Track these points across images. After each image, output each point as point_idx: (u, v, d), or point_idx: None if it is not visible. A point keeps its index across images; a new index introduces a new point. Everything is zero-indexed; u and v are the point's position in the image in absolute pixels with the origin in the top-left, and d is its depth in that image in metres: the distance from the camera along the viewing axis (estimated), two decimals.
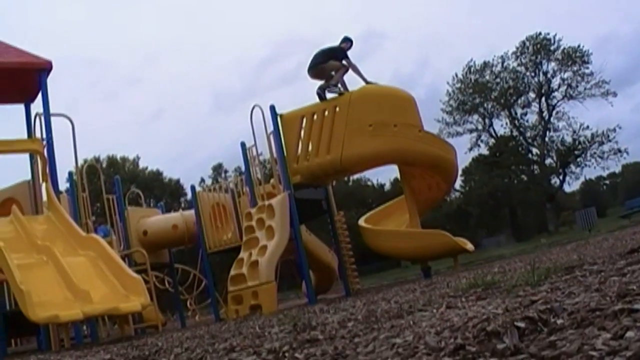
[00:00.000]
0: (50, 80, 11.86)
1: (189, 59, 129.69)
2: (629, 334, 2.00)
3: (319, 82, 14.57)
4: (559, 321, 2.43)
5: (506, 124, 69.71)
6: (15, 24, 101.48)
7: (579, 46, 63.60)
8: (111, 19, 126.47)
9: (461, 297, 4.55)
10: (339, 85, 14.36)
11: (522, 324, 2.44)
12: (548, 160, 67.11)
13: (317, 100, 14.41)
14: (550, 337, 2.21)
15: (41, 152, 11.05)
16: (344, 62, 14.55)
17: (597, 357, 1.87)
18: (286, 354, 3.17)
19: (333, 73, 14.46)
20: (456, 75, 68.90)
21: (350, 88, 14.50)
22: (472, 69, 68.10)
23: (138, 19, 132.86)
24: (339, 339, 3.42)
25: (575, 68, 63.86)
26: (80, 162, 14.22)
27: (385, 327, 3.53)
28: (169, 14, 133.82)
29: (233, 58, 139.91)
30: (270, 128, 14.34)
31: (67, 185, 15.31)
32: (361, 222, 17.44)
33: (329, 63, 14.47)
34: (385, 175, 79.98)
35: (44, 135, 11.49)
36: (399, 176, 16.70)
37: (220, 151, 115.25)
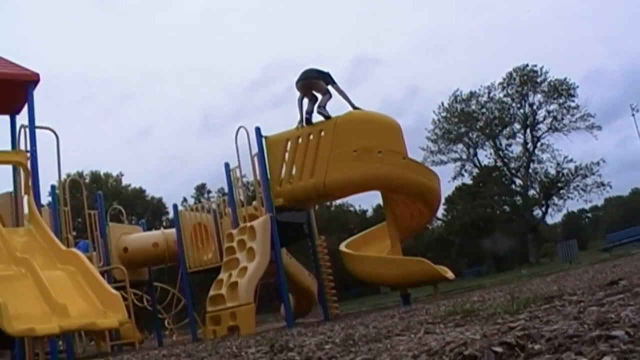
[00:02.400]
0: (41, 94, 11.87)
1: (180, 79, 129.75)
2: (606, 358, 2.00)
3: (305, 98, 14.62)
4: (536, 346, 2.43)
5: (490, 154, 69.87)
6: (8, 38, 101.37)
7: (565, 79, 63.88)
8: (103, 37, 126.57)
9: (440, 324, 4.54)
10: (327, 109, 14.38)
11: (499, 349, 2.44)
12: (531, 192, 67.25)
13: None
14: None
15: (24, 164, 11.00)
16: (331, 87, 14.59)
17: None
18: None
19: (319, 95, 14.49)
20: (442, 104, 69.12)
21: (338, 113, 14.53)
22: (458, 99, 68.27)
23: (131, 38, 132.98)
24: None
25: (561, 101, 64.08)
26: (63, 176, 14.20)
27: (362, 350, 3.52)
28: (162, 34, 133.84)
29: (224, 80, 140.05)
30: (255, 150, 14.34)
31: (50, 198, 15.28)
32: (342, 247, 17.41)
33: (320, 83, 14.50)
34: (367, 201, 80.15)
35: (28, 148, 11.44)
36: (381, 202, 16.70)
37: (205, 171, 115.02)
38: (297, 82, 14.80)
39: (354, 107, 14.52)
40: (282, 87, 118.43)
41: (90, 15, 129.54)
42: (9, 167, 11.91)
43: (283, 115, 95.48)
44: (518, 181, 68.81)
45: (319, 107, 14.39)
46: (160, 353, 7.16)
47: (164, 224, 61.08)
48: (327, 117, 14.28)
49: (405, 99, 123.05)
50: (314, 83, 14.64)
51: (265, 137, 14.40)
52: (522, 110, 67.03)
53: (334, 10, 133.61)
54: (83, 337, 14.39)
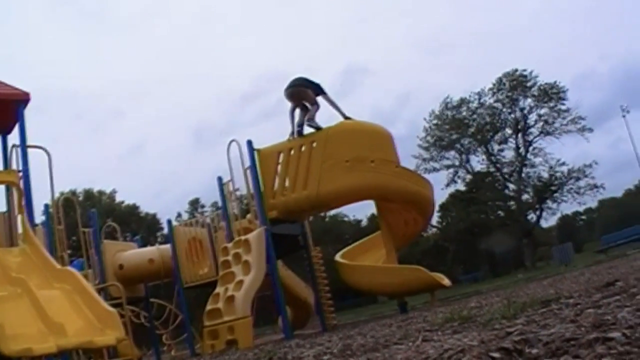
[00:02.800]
0: (31, 112, 11.83)
1: (171, 94, 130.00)
2: None
3: (294, 105, 14.64)
4: (534, 351, 2.43)
5: (483, 160, 69.92)
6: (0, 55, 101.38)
7: (555, 82, 63.98)
8: (92, 52, 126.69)
9: (437, 331, 4.54)
10: (316, 121, 14.38)
11: (497, 354, 2.45)
12: (525, 196, 67.28)
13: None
14: None
15: (17, 183, 10.96)
16: (321, 97, 14.61)
17: None
18: None
19: (308, 106, 14.50)
20: (433, 112, 69.17)
21: (329, 123, 14.53)
22: (448, 105, 68.33)
23: (121, 54, 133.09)
24: None
25: (551, 104, 64.13)
26: (56, 194, 14.17)
27: None
28: (152, 49, 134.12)
29: (215, 93, 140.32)
30: (247, 163, 14.33)
31: (43, 217, 15.24)
32: (338, 257, 17.42)
33: (308, 92, 14.51)
34: (362, 211, 79.93)
35: (20, 167, 11.42)
36: (376, 212, 16.70)
37: (198, 186, 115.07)
38: (286, 90, 14.81)
39: (345, 117, 14.53)
40: (273, 100, 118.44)
41: (78, 30, 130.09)
42: (2, 187, 11.87)
43: (274, 128, 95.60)
44: (511, 186, 68.86)
45: (308, 120, 14.40)
46: None
47: (159, 239, 61.11)
48: (318, 129, 14.29)
49: (395, 107, 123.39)
50: (302, 91, 14.65)
51: (257, 150, 14.40)
52: (513, 115, 67.16)
53: (323, 22, 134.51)
54: (81, 355, 14.33)
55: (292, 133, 14.56)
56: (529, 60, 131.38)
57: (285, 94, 14.83)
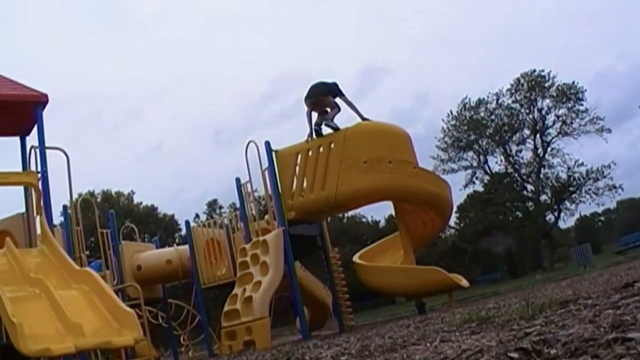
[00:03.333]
0: (49, 112, 11.87)
1: (190, 94, 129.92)
2: None
3: (313, 112, 14.63)
4: (553, 351, 2.42)
5: (501, 160, 69.77)
6: (14, 56, 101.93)
7: (573, 83, 63.76)
8: (110, 52, 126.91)
9: (455, 332, 4.53)
10: (335, 122, 14.35)
11: (515, 355, 2.44)
12: (543, 197, 67.08)
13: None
14: None
15: (36, 185, 11.00)
16: (339, 98, 14.60)
17: None
18: None
19: (328, 110, 14.50)
20: (451, 112, 69.03)
21: (347, 124, 14.50)
22: (466, 106, 68.17)
23: (140, 54, 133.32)
24: None
25: (569, 105, 63.92)
26: (74, 196, 14.21)
27: None
28: (172, 49, 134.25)
29: (234, 94, 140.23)
30: (265, 164, 14.33)
31: (62, 218, 15.29)
32: (356, 258, 17.39)
33: (328, 98, 14.50)
34: (380, 211, 79.84)
35: (39, 168, 11.45)
36: (393, 213, 16.67)
37: (216, 187, 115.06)
38: (306, 100, 14.80)
39: (363, 118, 14.51)
40: (292, 100, 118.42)
41: (96, 29, 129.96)
42: (21, 188, 11.92)
43: (293, 128, 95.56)
44: (529, 187, 68.65)
45: (326, 120, 14.37)
46: None
47: (177, 240, 61.10)
48: (335, 129, 14.26)
49: (415, 107, 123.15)
50: (322, 100, 14.64)
51: (275, 151, 14.40)
52: (531, 116, 66.93)
53: (342, 22, 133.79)
54: (99, 355, 14.36)
55: (310, 134, 14.55)
56: (547, 60, 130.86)
57: (306, 104, 14.81)
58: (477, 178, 70.76)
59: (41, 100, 11.66)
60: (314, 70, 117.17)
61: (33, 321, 8.36)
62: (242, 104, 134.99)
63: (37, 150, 11.60)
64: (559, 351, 2.40)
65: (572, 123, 64.16)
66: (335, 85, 14.83)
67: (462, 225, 74.12)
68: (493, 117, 67.91)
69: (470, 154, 69.43)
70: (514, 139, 68.12)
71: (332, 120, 14.35)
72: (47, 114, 11.76)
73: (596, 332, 2.62)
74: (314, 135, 14.47)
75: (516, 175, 69.55)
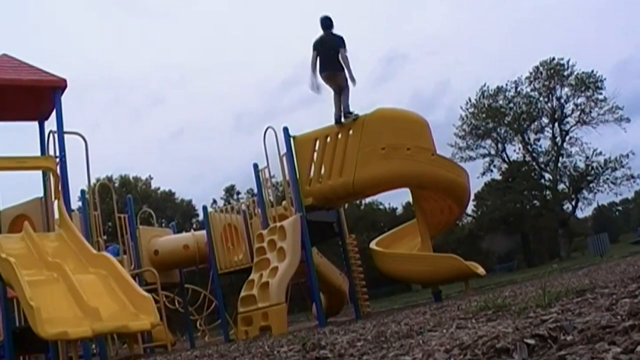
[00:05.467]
0: (69, 98, 11.91)
1: (211, 80, 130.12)
2: None
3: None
4: (569, 338, 2.42)
5: (519, 149, 69.59)
6: (34, 41, 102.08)
7: (592, 72, 63.46)
8: (132, 38, 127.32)
9: (471, 319, 4.53)
10: (354, 112, 14.21)
11: (531, 341, 2.43)
12: (561, 186, 66.90)
13: (331, 122, 14.34)
14: (559, 352, 2.20)
15: (54, 169, 11.04)
16: (342, 50, 14.27)
17: None
18: None
19: (343, 84, 14.31)
20: (469, 100, 68.87)
21: (366, 111, 14.40)
22: (485, 94, 68.00)
23: (161, 40, 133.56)
24: (348, 357, 3.41)
25: (588, 94, 63.64)
26: (93, 180, 14.26)
27: (394, 346, 3.52)
28: (193, 35, 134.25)
29: (255, 80, 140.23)
30: (283, 150, 14.32)
31: (80, 203, 15.35)
32: (372, 245, 17.42)
33: (342, 74, 14.27)
34: (397, 198, 79.72)
35: (58, 153, 11.49)
36: (411, 200, 16.66)
37: (234, 172, 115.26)
38: (321, 73, 14.48)
39: (353, 79, 14.21)
40: None
41: (118, 15, 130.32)
42: (39, 173, 11.96)
43: (314, 114, 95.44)
44: (547, 175, 68.42)
45: (345, 114, 14.21)
46: (193, 354, 7.18)
47: (194, 226, 61.27)
48: (355, 118, 14.12)
49: (436, 93, 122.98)
50: (337, 75, 14.44)
51: (294, 137, 14.36)
52: (549, 104, 66.69)
53: (364, 7, 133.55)
54: (115, 340, 14.45)
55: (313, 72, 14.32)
56: (568, 48, 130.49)
57: (321, 76, 14.61)
58: (494, 166, 70.73)
59: (60, 85, 11.70)
60: None
61: (50, 305, 8.41)
62: (263, 89, 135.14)
63: (56, 135, 11.64)
64: (576, 338, 2.40)
65: (590, 112, 63.96)
66: (342, 38, 14.56)
67: (479, 213, 74.10)
68: (511, 105, 67.76)
69: (489, 142, 69.38)
70: (532, 127, 67.96)
71: (348, 108, 14.18)
72: (66, 99, 11.80)
73: (613, 319, 2.61)
74: (338, 122, 14.26)
75: (534, 163, 69.37)
